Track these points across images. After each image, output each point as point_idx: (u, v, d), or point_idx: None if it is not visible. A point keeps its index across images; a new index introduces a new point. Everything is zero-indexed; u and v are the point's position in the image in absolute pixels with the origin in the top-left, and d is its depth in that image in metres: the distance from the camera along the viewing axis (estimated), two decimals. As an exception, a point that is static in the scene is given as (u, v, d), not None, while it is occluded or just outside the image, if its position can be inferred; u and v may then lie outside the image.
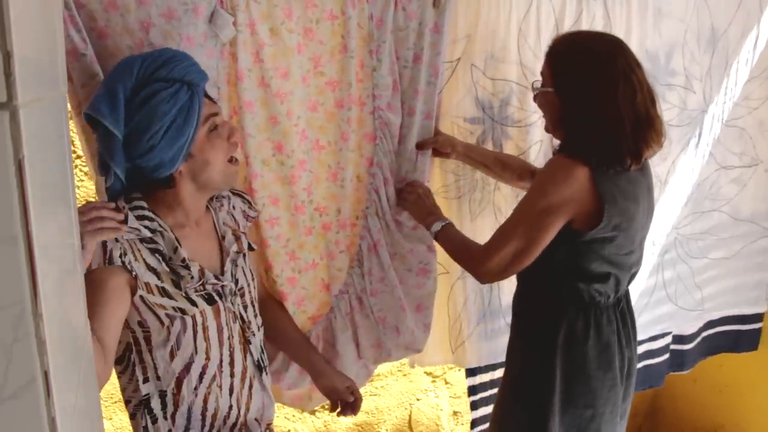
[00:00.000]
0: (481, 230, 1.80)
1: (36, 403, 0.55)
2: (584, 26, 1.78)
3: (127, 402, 1.31)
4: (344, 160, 1.64)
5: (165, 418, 1.28)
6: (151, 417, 1.27)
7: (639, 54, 1.86)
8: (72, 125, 1.37)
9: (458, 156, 1.70)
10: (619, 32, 1.81)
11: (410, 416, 2.62)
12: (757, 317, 2.36)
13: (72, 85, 1.31)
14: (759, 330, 2.39)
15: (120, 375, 1.29)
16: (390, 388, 2.52)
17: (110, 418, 2.07)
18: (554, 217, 1.38)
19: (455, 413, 2.68)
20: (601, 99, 1.35)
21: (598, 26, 1.79)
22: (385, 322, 1.74)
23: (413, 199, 1.64)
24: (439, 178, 1.77)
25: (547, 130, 1.53)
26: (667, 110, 1.96)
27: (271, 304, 1.62)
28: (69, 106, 1.31)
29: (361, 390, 1.90)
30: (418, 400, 2.62)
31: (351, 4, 1.53)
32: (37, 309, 0.54)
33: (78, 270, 0.86)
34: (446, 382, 2.62)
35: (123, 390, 1.31)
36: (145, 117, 1.17)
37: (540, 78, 1.50)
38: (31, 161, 0.54)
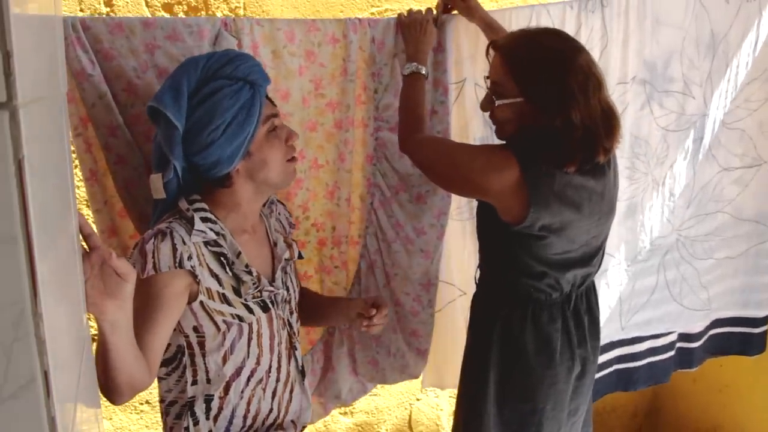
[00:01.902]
0: None
1: (36, 403, 0.54)
2: (583, 39, 1.72)
3: (171, 403, 1.29)
4: (340, 179, 1.65)
5: (207, 419, 1.28)
6: (193, 420, 1.27)
7: (636, 63, 1.85)
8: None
9: (477, 22, 1.63)
10: (617, 43, 1.81)
11: (410, 416, 2.62)
12: (766, 320, 2.35)
13: (79, 106, 1.34)
14: (766, 333, 2.38)
15: (166, 376, 1.28)
16: (390, 388, 2.52)
17: (110, 418, 2.07)
18: (478, 195, 1.42)
19: (455, 413, 2.68)
20: (576, 106, 1.28)
21: (596, 38, 1.78)
22: (380, 341, 1.75)
23: (408, 26, 1.58)
24: (452, 199, 1.75)
25: (502, 137, 1.44)
26: (665, 116, 1.95)
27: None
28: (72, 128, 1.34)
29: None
30: (418, 400, 2.62)
31: (352, 28, 1.55)
32: (37, 309, 0.54)
33: (78, 270, 0.86)
34: (446, 382, 2.63)
35: (168, 391, 1.29)
36: (207, 112, 1.18)
37: (486, 85, 1.42)
38: (31, 161, 0.54)
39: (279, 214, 1.45)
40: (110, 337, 1.02)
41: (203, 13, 1.92)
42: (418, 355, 1.77)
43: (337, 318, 1.56)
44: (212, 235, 1.22)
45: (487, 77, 1.42)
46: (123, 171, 1.40)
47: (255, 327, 1.29)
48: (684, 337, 2.27)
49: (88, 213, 1.73)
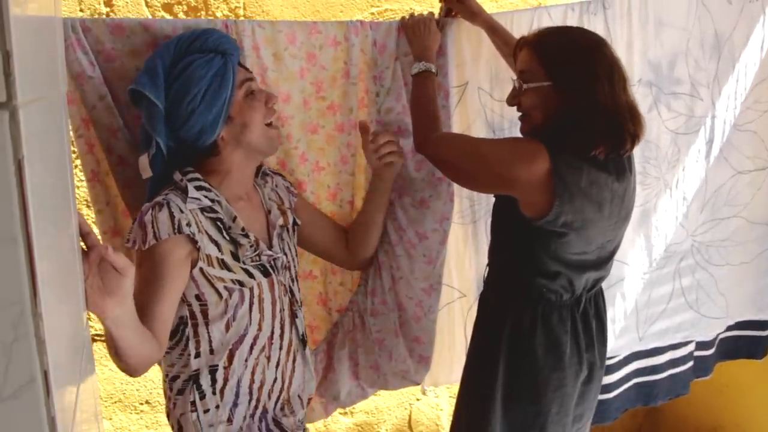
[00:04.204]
0: None
1: (36, 403, 0.55)
2: None
3: (174, 378, 1.31)
4: (342, 182, 1.66)
5: (214, 393, 1.30)
6: (199, 393, 1.29)
7: (641, 65, 1.84)
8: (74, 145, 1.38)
9: (480, 25, 1.63)
10: (620, 45, 1.80)
11: (410, 416, 2.62)
12: (776, 323, 2.33)
13: (80, 107, 1.35)
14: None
15: (170, 350, 1.30)
16: (390, 388, 2.53)
17: (110, 418, 2.07)
18: (504, 188, 1.40)
19: (455, 413, 2.69)
20: (602, 89, 1.31)
21: None
22: (382, 344, 1.74)
23: (412, 26, 1.58)
24: (455, 203, 1.72)
25: (525, 130, 1.44)
26: (673, 119, 1.94)
27: (347, 232, 1.64)
28: (71, 128, 1.35)
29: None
30: (418, 400, 2.62)
31: (354, 31, 1.55)
32: (37, 309, 0.54)
33: (78, 270, 0.86)
34: (446, 382, 2.63)
35: (171, 365, 1.31)
36: (183, 84, 1.24)
37: (516, 76, 1.42)
38: (30, 161, 0.54)
39: (276, 185, 1.47)
40: (115, 332, 1.04)
41: (203, 13, 1.92)
42: (419, 363, 1.76)
43: (377, 194, 1.59)
44: (207, 202, 1.26)
45: (513, 78, 1.44)
46: (124, 172, 1.41)
47: (256, 292, 1.31)
48: (700, 345, 2.23)
49: (88, 213, 1.74)
